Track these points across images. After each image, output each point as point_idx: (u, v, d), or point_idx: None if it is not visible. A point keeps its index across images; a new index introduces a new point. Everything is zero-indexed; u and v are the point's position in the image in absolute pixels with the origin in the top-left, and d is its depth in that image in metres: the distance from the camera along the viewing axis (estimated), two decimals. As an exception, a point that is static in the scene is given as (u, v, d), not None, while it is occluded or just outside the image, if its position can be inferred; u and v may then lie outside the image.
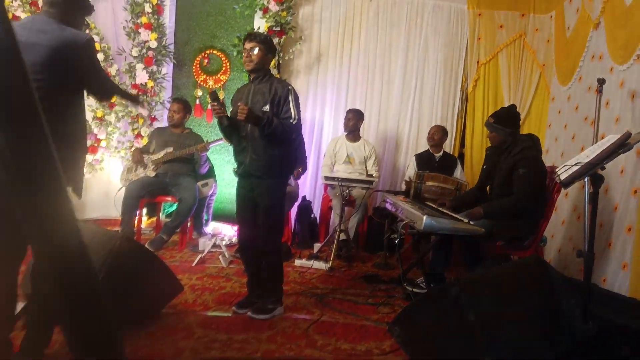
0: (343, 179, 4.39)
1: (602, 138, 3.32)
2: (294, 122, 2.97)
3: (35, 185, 0.51)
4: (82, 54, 2.27)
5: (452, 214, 3.29)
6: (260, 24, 5.40)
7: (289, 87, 3.03)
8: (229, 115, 3.05)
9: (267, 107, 2.95)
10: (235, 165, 3.16)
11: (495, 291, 2.26)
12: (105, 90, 2.50)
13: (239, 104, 2.90)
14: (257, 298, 3.13)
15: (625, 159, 3.36)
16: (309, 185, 5.66)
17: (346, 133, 5.16)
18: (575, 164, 1.91)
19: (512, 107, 3.77)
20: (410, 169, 4.96)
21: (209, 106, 3.03)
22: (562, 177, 1.92)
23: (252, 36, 2.99)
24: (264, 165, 2.99)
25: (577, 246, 4.16)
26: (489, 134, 3.72)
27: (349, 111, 5.14)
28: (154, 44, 5.33)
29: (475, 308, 2.15)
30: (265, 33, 3.24)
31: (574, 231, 4.29)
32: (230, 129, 3.08)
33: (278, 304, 3.10)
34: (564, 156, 4.81)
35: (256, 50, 2.93)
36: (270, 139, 2.95)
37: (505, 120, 3.57)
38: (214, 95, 2.98)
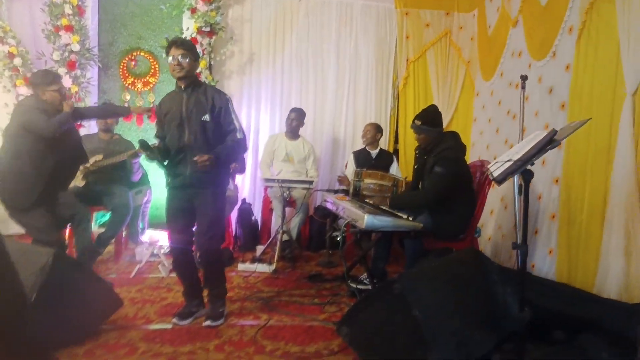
0: (283, 180, 4.39)
1: (524, 131, 3.54)
2: (239, 136, 2.97)
3: None
4: None
5: (391, 211, 3.37)
6: (189, 24, 5.29)
7: (228, 98, 3.02)
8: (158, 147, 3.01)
9: (207, 117, 2.91)
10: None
11: (437, 285, 2.35)
12: None
13: (196, 158, 2.78)
14: (196, 307, 3.08)
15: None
16: (248, 188, 5.61)
17: (286, 131, 5.16)
18: (507, 161, 2.01)
19: (434, 107, 3.83)
20: (349, 166, 5.02)
21: (144, 155, 3.07)
22: (495, 174, 2.01)
23: (180, 43, 2.91)
24: (209, 174, 2.92)
25: (506, 234, 4.40)
26: (416, 136, 3.74)
27: (293, 111, 5.12)
28: (76, 47, 5.08)
29: (418, 303, 2.22)
30: (188, 40, 3.20)
31: (502, 220, 4.53)
32: (164, 156, 3.02)
33: (225, 305, 3.11)
34: (490, 149, 5.06)
35: (187, 58, 2.87)
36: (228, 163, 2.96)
37: (431, 120, 3.62)
38: (144, 145, 2.90)
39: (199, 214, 3.00)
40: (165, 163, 3.05)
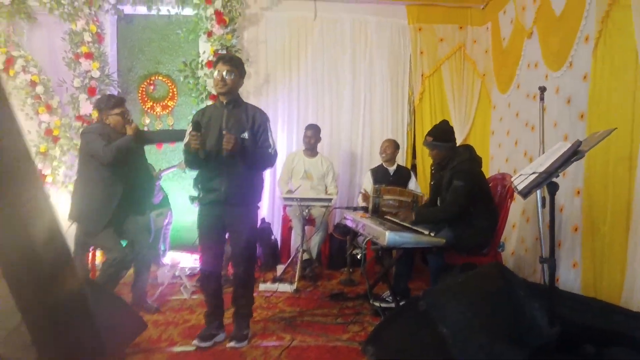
0: (302, 199, 4.40)
1: (544, 143, 3.51)
2: (272, 152, 3.00)
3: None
4: None
5: (412, 227, 3.35)
6: (206, 48, 5.37)
7: (267, 116, 3.06)
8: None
9: (246, 134, 2.92)
10: (195, 192, 3.07)
11: (463, 301, 2.31)
12: None
13: (224, 132, 2.81)
14: (216, 330, 3.05)
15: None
16: (267, 207, 5.62)
17: (304, 148, 5.18)
18: (532, 174, 1.99)
19: (445, 122, 3.84)
20: (366, 184, 5.01)
21: (188, 134, 2.93)
22: (520, 187, 1.99)
23: (227, 59, 2.94)
24: (245, 192, 2.95)
25: (529, 248, 4.33)
26: (429, 152, 3.77)
27: (309, 128, 5.14)
28: (96, 74, 5.19)
29: (444, 320, 2.19)
30: (237, 56, 3.23)
31: (525, 234, 4.47)
32: (203, 158, 2.96)
33: (249, 327, 3.10)
34: (509, 162, 5.02)
35: (232, 74, 2.89)
36: (249, 167, 2.95)
37: (442, 135, 3.63)
38: (197, 126, 2.84)
39: (233, 233, 3.02)
40: (197, 170, 3.04)
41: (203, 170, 3.01)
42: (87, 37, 5.18)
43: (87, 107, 5.13)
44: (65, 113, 5.24)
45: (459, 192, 3.42)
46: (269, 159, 3.04)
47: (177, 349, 2.92)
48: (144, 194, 3.76)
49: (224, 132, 2.82)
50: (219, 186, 2.92)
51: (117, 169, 3.38)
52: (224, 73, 2.88)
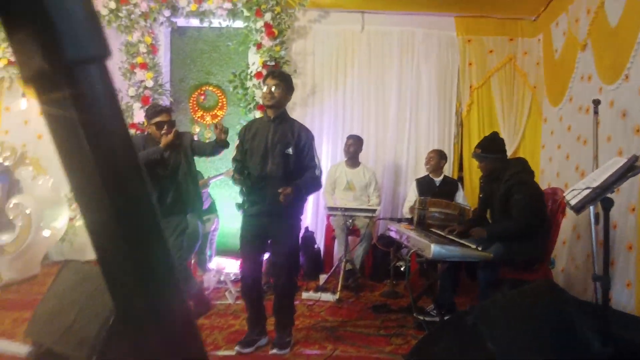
0: (346, 209, 4.41)
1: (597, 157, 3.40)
2: (317, 173, 3.06)
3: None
4: None
5: (459, 240, 3.30)
6: (255, 59, 5.49)
7: (312, 134, 3.12)
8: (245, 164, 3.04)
9: (290, 150, 2.99)
10: (240, 200, 3.13)
11: (512, 318, 2.26)
12: None
13: (279, 190, 2.85)
14: (257, 336, 3.09)
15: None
16: (310, 216, 5.67)
17: (346, 159, 5.20)
18: (585, 189, 1.94)
19: (495, 134, 3.79)
20: (410, 194, 4.97)
21: (233, 176, 3.12)
22: (572, 202, 1.94)
23: (276, 74, 3.06)
24: (288, 205, 3.00)
25: (580, 266, 4.19)
26: (478, 164, 3.72)
27: (350, 137, 5.18)
28: (150, 83, 5.40)
29: (493, 336, 2.15)
30: (286, 72, 3.33)
31: (576, 251, 4.32)
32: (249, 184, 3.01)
33: (291, 334, 3.14)
34: (560, 176, 4.87)
35: (279, 88, 2.98)
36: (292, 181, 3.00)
37: (491, 147, 3.59)
38: (241, 170, 2.92)
39: (275, 244, 3.07)
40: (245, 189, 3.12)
41: (249, 182, 3.07)
42: (143, 49, 5.41)
43: (140, 116, 5.33)
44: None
45: (523, 204, 3.36)
46: (317, 184, 3.12)
47: (221, 353, 2.98)
48: (185, 201, 3.53)
49: (279, 190, 2.85)
50: (262, 199, 2.99)
51: (151, 179, 3.38)
52: (272, 87, 2.97)
